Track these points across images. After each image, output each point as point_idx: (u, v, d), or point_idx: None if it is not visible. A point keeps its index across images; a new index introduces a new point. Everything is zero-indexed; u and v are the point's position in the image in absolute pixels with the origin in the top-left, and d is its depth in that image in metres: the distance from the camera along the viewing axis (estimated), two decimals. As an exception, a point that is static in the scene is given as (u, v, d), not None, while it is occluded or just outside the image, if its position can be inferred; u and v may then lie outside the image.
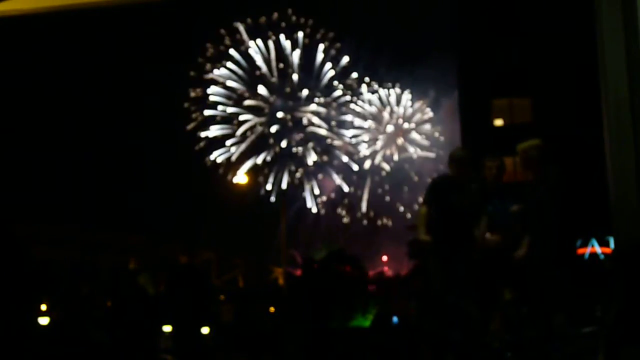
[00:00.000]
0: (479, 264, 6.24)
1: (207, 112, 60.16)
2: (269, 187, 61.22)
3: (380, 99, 61.34)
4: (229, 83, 60.69)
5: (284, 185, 60.69)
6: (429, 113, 61.08)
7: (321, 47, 60.90)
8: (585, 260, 25.84)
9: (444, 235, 6.21)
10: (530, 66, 30.19)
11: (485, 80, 30.55)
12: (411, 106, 61.05)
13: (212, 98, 60.54)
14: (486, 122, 31.07)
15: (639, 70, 4.20)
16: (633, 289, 4.49)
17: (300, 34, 60.78)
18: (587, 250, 26.60)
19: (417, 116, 61.28)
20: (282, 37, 60.75)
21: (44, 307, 19.82)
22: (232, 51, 60.56)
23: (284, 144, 62.15)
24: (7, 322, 6.16)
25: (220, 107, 60.66)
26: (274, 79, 61.23)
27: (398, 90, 61.15)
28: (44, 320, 17.07)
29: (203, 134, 59.91)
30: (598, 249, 26.43)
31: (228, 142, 60.74)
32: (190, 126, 59.13)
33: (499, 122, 31.37)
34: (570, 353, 6.28)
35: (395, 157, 61.23)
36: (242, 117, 61.14)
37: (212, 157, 60.13)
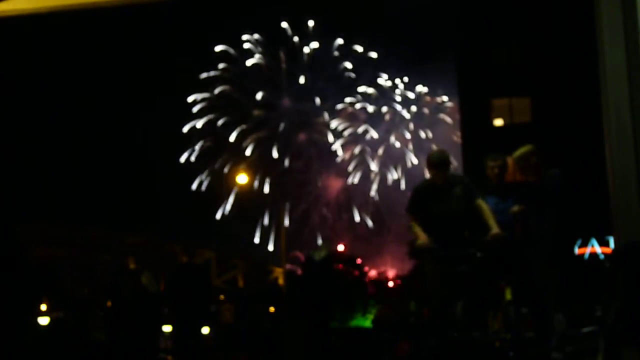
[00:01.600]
0: (480, 263, 6.21)
1: (186, 128, 56.67)
2: (266, 221, 56.26)
3: (389, 99, 58.59)
4: (223, 88, 57.49)
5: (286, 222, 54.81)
6: (449, 103, 57.01)
7: (335, 44, 57.94)
8: (585, 260, 25.80)
9: (439, 239, 6.11)
10: (530, 66, 30.19)
11: (485, 80, 30.54)
12: (424, 105, 58.35)
13: (197, 108, 57.31)
14: (486, 122, 31.05)
15: (639, 70, 4.21)
16: (633, 288, 4.49)
17: (311, 22, 57.35)
18: (587, 250, 26.56)
19: (432, 117, 58.39)
20: (285, 24, 57.49)
21: (44, 307, 19.85)
22: (225, 47, 57.25)
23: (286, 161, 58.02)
24: (7, 322, 6.16)
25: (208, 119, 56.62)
26: (282, 86, 57.72)
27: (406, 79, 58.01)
28: (44, 320, 17.10)
29: (182, 159, 56.11)
30: (598, 249, 26.38)
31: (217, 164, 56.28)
32: (192, 141, 57.18)
33: (499, 122, 31.36)
34: (570, 353, 6.29)
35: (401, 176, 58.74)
36: (239, 129, 57.37)
37: (194, 185, 56.51)
